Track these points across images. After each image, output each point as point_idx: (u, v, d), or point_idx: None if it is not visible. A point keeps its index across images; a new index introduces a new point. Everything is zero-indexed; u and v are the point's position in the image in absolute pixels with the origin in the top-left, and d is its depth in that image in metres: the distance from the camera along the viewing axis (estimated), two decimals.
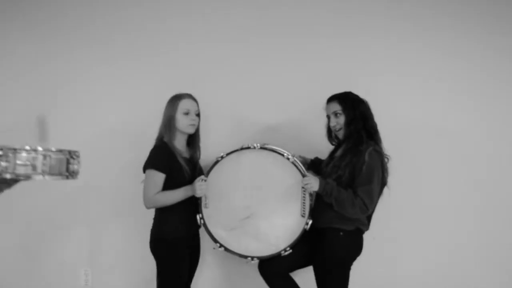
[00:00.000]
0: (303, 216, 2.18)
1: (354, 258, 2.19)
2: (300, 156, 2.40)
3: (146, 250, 2.72)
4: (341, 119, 2.18)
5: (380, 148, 2.14)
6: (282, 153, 2.17)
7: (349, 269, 2.18)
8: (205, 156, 2.40)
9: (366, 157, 2.05)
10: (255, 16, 2.71)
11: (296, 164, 2.16)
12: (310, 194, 2.16)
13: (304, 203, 2.18)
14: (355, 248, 2.18)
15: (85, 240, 2.83)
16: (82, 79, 2.84)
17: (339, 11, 2.65)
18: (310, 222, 2.17)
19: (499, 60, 2.58)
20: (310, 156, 2.50)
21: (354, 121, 2.13)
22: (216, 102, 2.63)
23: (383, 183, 2.15)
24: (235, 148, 2.21)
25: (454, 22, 2.60)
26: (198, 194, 2.12)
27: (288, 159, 2.15)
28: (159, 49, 2.78)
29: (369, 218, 2.23)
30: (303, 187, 2.15)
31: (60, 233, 2.83)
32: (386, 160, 2.15)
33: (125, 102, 2.80)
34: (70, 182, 2.70)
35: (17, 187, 2.82)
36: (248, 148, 2.17)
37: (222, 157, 2.18)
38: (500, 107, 2.58)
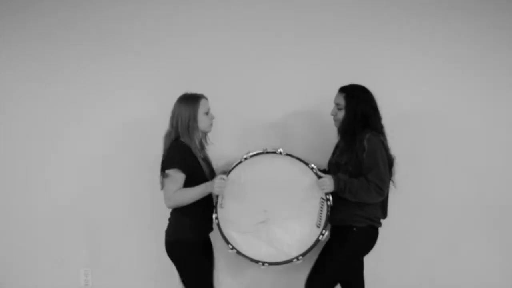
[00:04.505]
0: (318, 227, 2.19)
1: (362, 254, 2.25)
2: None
3: (146, 250, 2.74)
4: (340, 114, 2.23)
5: (377, 134, 2.16)
6: (306, 162, 2.20)
7: (352, 261, 2.24)
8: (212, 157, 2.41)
9: (365, 144, 2.10)
10: (262, 15, 2.72)
11: (319, 175, 2.18)
12: (328, 206, 2.19)
13: (321, 214, 2.20)
14: (365, 245, 2.22)
15: (85, 240, 2.80)
16: (86, 78, 2.81)
17: (344, 11, 2.68)
18: (326, 233, 2.18)
19: (508, 48, 2.60)
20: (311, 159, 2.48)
21: (352, 120, 2.17)
22: (223, 102, 2.56)
23: (389, 162, 2.18)
24: (258, 151, 2.21)
25: (461, 10, 2.62)
26: (216, 191, 2.11)
27: (312, 169, 2.18)
28: (166, 48, 2.74)
29: (384, 207, 2.26)
30: (322, 198, 2.17)
31: (60, 233, 2.81)
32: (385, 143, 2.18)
33: (133, 101, 2.76)
34: (69, 182, 2.77)
35: (17, 187, 2.81)
36: (273, 152, 2.19)
37: (245, 158, 2.19)
38: (509, 96, 2.60)
